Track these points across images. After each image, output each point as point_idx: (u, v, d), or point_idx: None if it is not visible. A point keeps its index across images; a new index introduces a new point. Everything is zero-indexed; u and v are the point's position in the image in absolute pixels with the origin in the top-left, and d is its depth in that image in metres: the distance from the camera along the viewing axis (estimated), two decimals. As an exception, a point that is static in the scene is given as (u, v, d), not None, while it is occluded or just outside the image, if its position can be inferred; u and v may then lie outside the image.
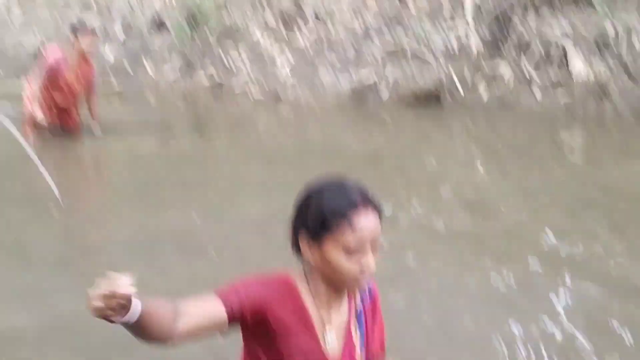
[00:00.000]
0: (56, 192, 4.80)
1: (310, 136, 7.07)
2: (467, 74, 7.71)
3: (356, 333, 1.83)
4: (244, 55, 9.11)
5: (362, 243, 1.68)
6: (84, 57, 6.47)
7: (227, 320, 1.67)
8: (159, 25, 9.88)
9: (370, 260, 1.69)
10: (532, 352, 2.92)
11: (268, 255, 3.94)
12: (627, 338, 3.01)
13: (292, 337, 1.74)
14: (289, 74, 8.57)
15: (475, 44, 7.81)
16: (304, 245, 1.74)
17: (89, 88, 6.66)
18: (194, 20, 9.49)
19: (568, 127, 6.98)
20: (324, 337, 1.78)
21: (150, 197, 5.21)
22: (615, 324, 3.10)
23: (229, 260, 3.99)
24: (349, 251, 1.67)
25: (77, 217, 4.80)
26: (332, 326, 1.80)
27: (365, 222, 1.68)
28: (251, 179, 5.55)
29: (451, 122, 7.34)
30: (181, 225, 4.52)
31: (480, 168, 5.81)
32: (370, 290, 1.87)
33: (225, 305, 1.66)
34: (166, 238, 4.31)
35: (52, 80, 6.46)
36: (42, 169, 4.86)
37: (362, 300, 1.86)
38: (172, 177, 5.64)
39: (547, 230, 4.13)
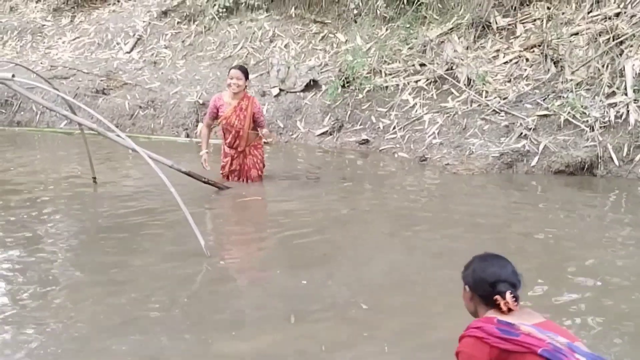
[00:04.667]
0: (202, 243, 5.36)
1: (455, 201, 7.30)
2: (623, 145, 7.71)
3: None
4: (392, 115, 9.54)
5: None
6: (236, 94, 7.38)
7: None
8: (312, 82, 10.54)
9: None
10: None
11: (406, 320, 4.26)
12: None
13: None
14: (437, 136, 8.87)
15: (634, 116, 7.81)
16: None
17: (254, 122, 7.50)
18: (346, 79, 10.08)
19: None
20: None
21: (295, 253, 5.67)
22: None
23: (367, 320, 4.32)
24: None
25: (221, 270, 5.29)
26: None
27: None
28: (389, 240, 5.88)
29: (604, 194, 7.34)
30: (316, 282, 4.94)
31: (628, 248, 5.77)
32: None
33: None
34: (305, 297, 4.71)
35: (220, 123, 7.50)
36: (190, 220, 5.44)
37: None
38: (318, 233, 6.09)
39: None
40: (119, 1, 14.43)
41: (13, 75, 6.60)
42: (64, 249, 5.84)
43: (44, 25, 14.43)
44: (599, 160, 7.75)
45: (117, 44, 13.12)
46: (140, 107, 11.19)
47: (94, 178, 7.86)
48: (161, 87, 11.42)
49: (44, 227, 6.43)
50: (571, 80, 8.61)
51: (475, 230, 6.14)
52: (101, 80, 11.81)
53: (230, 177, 7.68)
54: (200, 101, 10.84)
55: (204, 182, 7.25)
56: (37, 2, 15.19)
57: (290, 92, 10.56)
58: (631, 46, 8.46)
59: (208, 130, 7.63)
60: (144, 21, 13.35)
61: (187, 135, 10.60)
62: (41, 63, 12.92)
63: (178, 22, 13.03)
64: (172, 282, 4.96)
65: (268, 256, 5.72)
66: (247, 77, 7.47)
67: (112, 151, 9.15)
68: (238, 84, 7.34)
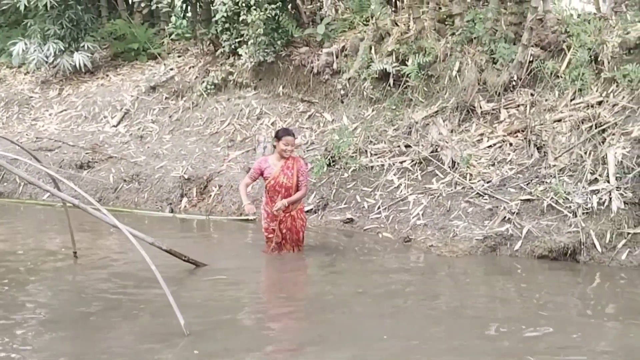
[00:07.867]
0: (182, 321, 5.37)
1: (438, 285, 7.37)
2: (606, 232, 7.85)
3: None
4: (377, 195, 9.69)
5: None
6: (283, 156, 7.83)
7: None
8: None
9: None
10: None
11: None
12: None
13: None
14: (422, 217, 9.00)
15: (616, 203, 7.97)
16: None
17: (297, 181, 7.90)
18: (332, 158, 10.28)
19: None
20: None
21: (273, 336, 5.70)
22: None
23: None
24: None
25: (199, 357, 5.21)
26: None
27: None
28: (366, 325, 5.91)
29: (586, 280, 7.43)
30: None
31: (612, 334, 5.84)
32: None
33: None
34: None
35: (267, 185, 7.91)
36: (170, 297, 5.46)
37: None
38: (300, 314, 6.17)
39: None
40: (107, 75, 14.72)
41: (-4, 148, 6.71)
42: (37, 324, 5.82)
43: (32, 97, 14.66)
44: (582, 247, 7.87)
45: (104, 117, 13.33)
46: (125, 180, 11.30)
47: (75, 252, 7.88)
48: (147, 161, 11.56)
49: (20, 300, 6.42)
50: (554, 165, 8.83)
51: (455, 316, 6.18)
52: (86, 153, 11.94)
53: (282, 245, 8.01)
54: (186, 176, 10.98)
55: (184, 260, 7.29)
56: (25, 74, 15.45)
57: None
58: (613, 134, 8.71)
59: (245, 187, 8.02)
60: (132, 95, 13.60)
61: (172, 210, 10.67)
62: (27, 135, 13.08)
63: (166, 98, 13.29)
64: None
65: (247, 338, 5.70)
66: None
67: (95, 224, 9.20)
68: (293, 149, 7.95)
